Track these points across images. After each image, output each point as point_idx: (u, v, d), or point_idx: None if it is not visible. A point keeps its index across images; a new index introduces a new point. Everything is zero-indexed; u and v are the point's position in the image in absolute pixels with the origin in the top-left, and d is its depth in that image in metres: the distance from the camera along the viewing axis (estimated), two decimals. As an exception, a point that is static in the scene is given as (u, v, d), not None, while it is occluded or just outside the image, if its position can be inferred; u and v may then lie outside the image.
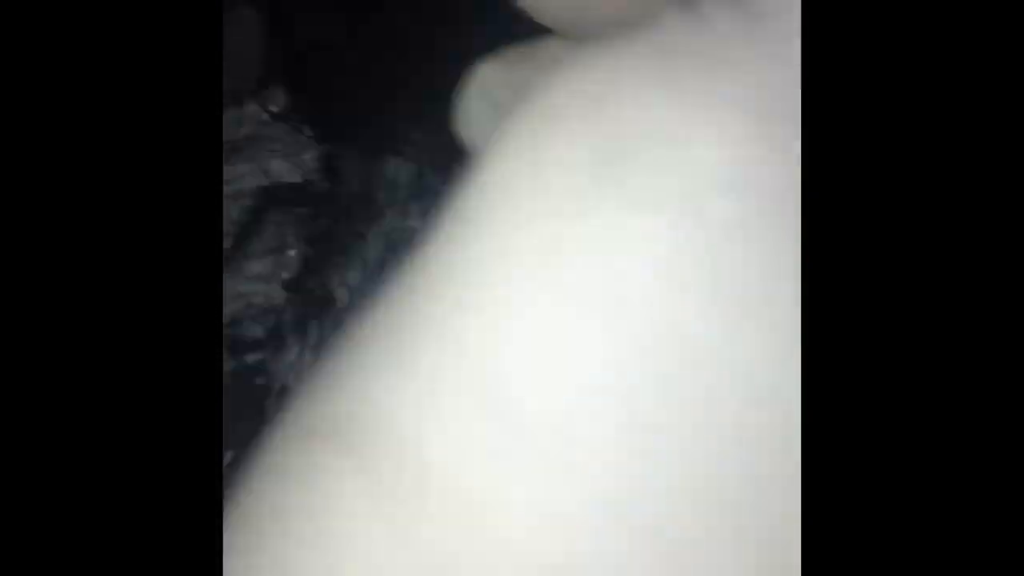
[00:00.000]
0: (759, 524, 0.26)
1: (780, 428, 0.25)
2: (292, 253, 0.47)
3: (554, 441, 0.21)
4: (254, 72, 0.48)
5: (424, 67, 0.51)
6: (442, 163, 0.48)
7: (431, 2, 0.48)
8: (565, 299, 0.21)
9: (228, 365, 0.46)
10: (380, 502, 0.22)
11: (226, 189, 0.47)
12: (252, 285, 0.47)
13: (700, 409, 0.23)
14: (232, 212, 0.47)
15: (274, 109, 0.47)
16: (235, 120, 0.47)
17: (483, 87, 0.31)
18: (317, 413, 0.22)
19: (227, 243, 0.47)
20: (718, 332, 0.23)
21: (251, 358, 0.46)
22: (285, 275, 0.47)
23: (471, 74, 0.29)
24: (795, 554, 0.27)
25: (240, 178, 0.47)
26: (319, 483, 0.22)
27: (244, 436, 0.46)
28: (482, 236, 0.22)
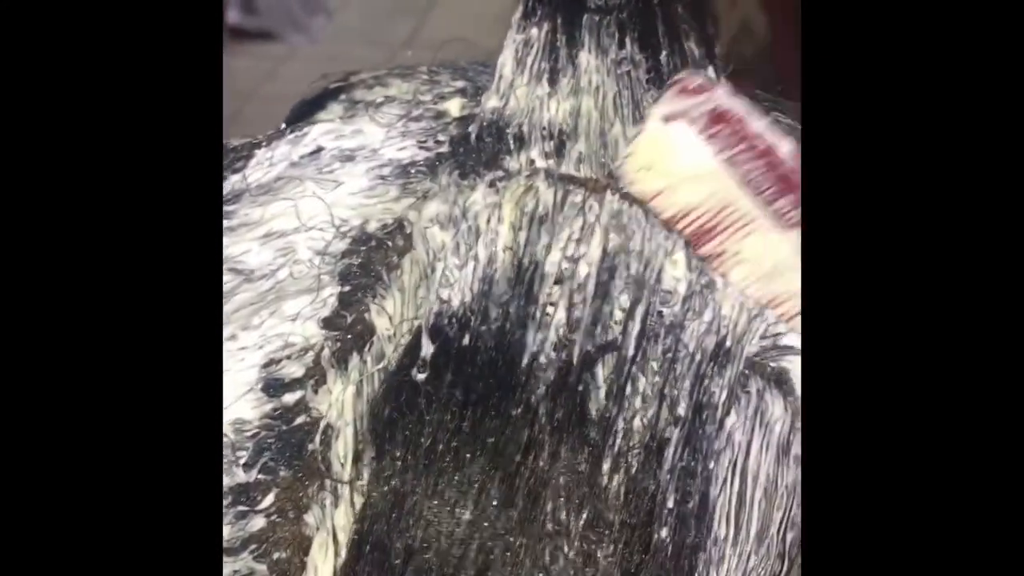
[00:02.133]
0: None
1: None
2: (327, 291, 0.47)
3: None
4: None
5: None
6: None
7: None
8: None
9: (267, 406, 0.46)
10: None
11: (259, 230, 0.47)
12: (288, 325, 0.47)
13: None
14: (265, 253, 0.47)
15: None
16: (266, 162, 0.47)
17: None
18: None
19: (265, 285, 0.47)
20: None
21: (290, 398, 0.46)
22: (323, 313, 0.47)
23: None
24: None
25: (274, 218, 0.47)
26: None
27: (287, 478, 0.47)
28: None
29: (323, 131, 0.48)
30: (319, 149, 0.48)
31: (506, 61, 0.47)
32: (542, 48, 0.47)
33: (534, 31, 0.47)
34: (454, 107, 0.49)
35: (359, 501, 0.44)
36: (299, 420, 0.46)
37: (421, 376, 0.44)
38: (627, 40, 0.47)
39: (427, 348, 0.44)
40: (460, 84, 0.51)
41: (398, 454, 0.43)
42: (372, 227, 0.47)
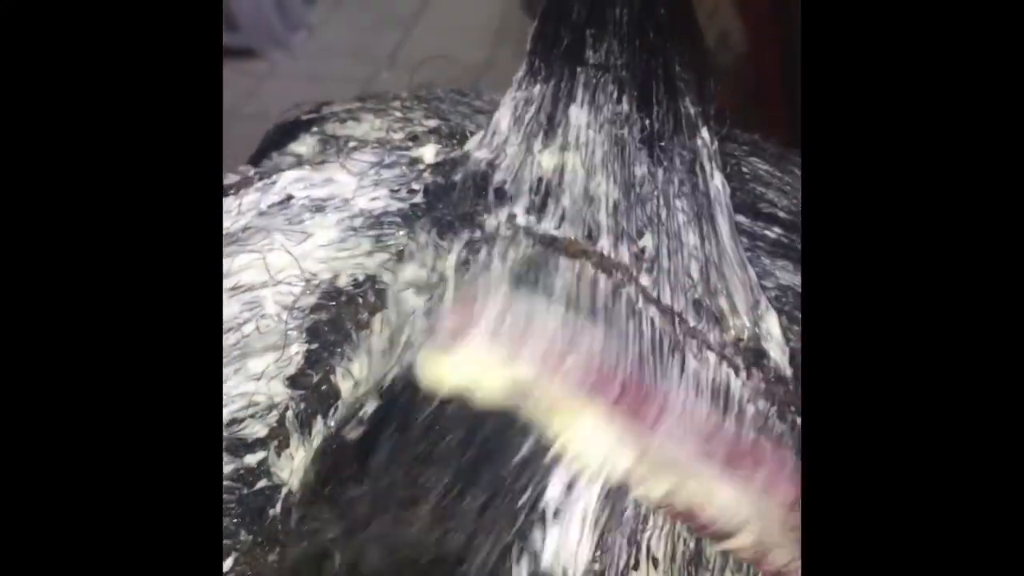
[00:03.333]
0: None
1: None
2: (294, 348, 0.45)
3: None
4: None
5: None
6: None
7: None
8: None
9: (229, 467, 0.45)
10: None
11: (226, 283, 0.45)
12: (253, 384, 0.45)
13: None
14: (232, 306, 0.45)
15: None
16: (234, 210, 0.45)
17: None
18: None
19: (231, 339, 0.45)
20: None
21: (252, 459, 0.45)
22: (289, 371, 0.45)
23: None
24: None
25: (241, 271, 0.45)
26: None
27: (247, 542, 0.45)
28: None
29: (293, 179, 0.46)
30: (289, 198, 0.46)
31: (503, 117, 0.45)
32: (539, 107, 0.45)
33: (536, 88, 0.45)
34: (428, 153, 0.46)
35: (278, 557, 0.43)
36: (260, 484, 0.44)
37: (355, 434, 0.41)
38: (624, 98, 0.44)
39: (371, 406, 0.42)
40: (433, 123, 0.48)
41: (327, 515, 0.41)
42: (342, 282, 0.45)
